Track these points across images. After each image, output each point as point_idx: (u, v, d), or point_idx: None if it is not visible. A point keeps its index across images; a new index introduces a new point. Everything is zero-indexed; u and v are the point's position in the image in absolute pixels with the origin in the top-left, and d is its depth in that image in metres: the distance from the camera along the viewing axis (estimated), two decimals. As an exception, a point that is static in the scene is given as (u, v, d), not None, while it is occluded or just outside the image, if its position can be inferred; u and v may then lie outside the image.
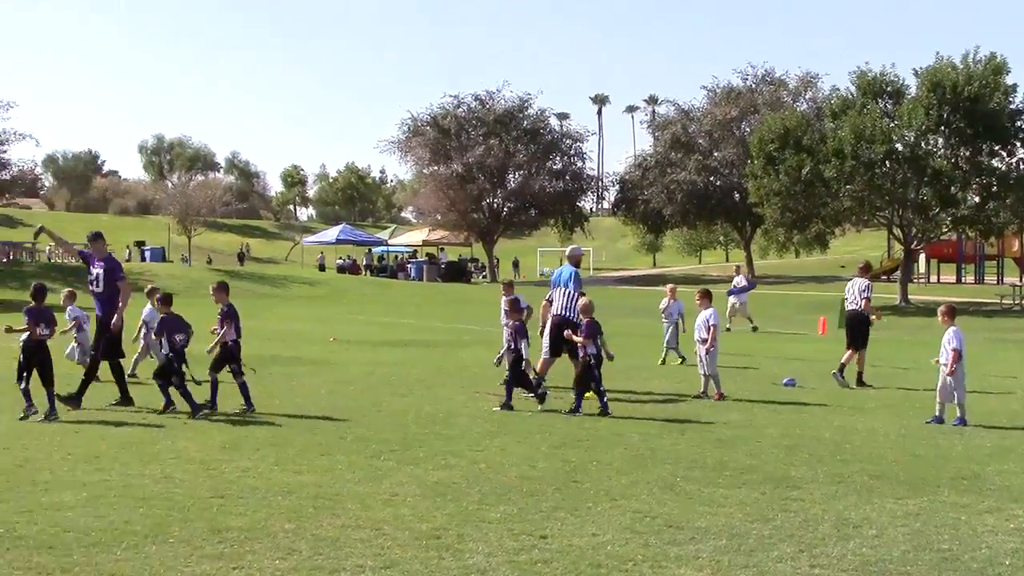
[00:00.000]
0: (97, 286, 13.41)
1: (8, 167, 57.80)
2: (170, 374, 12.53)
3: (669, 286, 21.07)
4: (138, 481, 8.65)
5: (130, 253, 72.58)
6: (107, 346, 13.18)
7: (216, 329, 12.92)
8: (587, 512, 7.76)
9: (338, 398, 14.36)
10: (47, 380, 11.97)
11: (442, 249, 73.34)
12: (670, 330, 20.04)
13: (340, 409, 13.12)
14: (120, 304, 13.31)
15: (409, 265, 67.27)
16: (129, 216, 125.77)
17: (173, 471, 9.12)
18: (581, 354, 13.33)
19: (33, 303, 12.10)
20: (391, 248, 75.96)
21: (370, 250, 73.26)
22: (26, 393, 12.00)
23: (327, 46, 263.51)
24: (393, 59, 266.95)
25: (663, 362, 19.68)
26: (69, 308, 15.96)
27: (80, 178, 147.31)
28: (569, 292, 14.31)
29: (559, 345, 14.22)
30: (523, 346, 13.36)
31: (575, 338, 13.48)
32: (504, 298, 15.18)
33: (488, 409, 13.15)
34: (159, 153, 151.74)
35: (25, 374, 12.03)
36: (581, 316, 13.61)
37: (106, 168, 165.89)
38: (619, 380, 16.02)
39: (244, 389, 12.74)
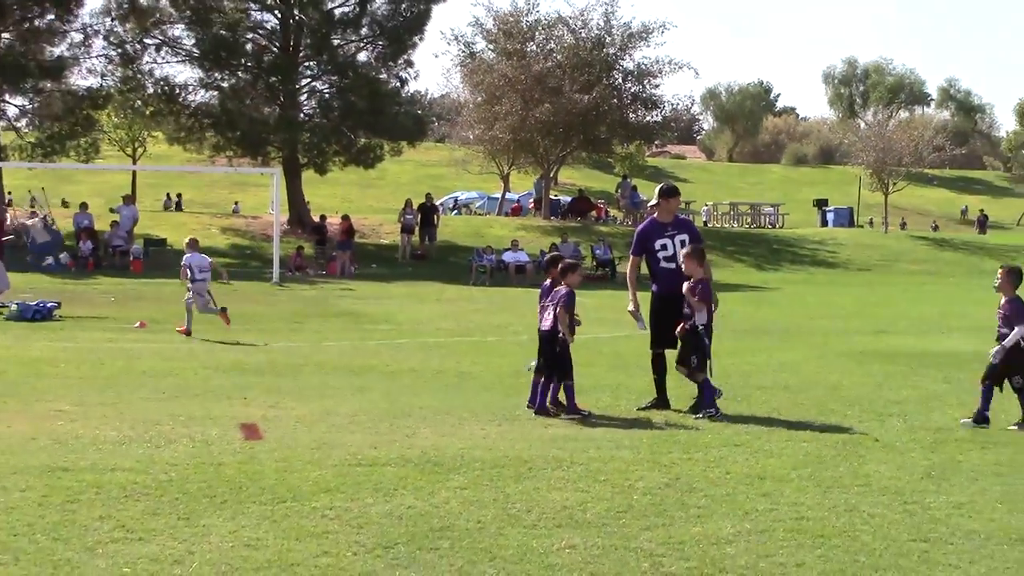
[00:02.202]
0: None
1: (660, 106, 62.19)
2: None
3: None
4: (814, 513, 9.03)
5: (777, 214, 75.15)
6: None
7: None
8: None
9: None
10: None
11: None
12: None
13: None
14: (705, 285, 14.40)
15: None
16: (806, 167, 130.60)
17: (860, 502, 9.41)
18: None
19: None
20: None
21: None
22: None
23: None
24: None
25: None
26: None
27: (747, 118, 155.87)
28: None
29: None
30: None
31: None
32: None
33: None
34: (849, 83, 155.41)
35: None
36: None
37: (780, 105, 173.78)
38: None
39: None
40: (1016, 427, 13.16)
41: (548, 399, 13.75)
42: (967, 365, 18.31)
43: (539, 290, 14.57)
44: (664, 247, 14.54)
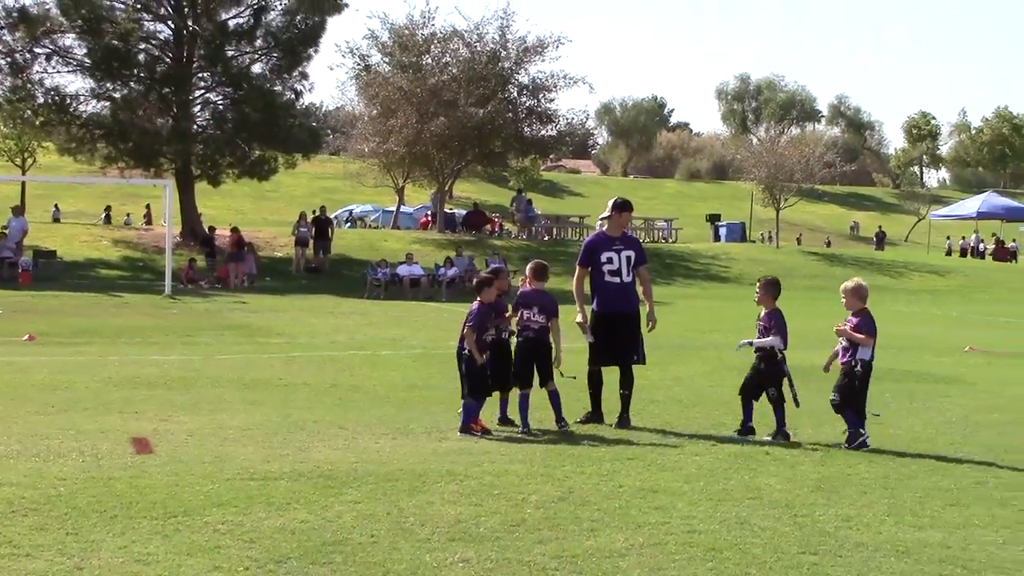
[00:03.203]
0: (628, 275, 14.60)
1: (555, 120, 62.42)
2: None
3: None
4: (706, 526, 9.13)
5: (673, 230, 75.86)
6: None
7: None
8: None
9: (976, 429, 14.47)
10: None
11: None
12: None
13: (977, 444, 13.30)
14: (647, 294, 14.86)
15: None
16: (700, 182, 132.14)
17: (751, 515, 9.53)
18: None
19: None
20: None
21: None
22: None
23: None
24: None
25: None
26: None
27: (642, 132, 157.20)
28: None
29: None
30: None
31: None
32: None
33: None
34: (742, 99, 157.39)
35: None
36: None
37: (674, 120, 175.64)
38: None
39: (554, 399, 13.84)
40: (769, 438, 13.32)
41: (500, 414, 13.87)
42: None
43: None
44: (610, 260, 14.59)
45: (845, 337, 13.10)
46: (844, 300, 13.38)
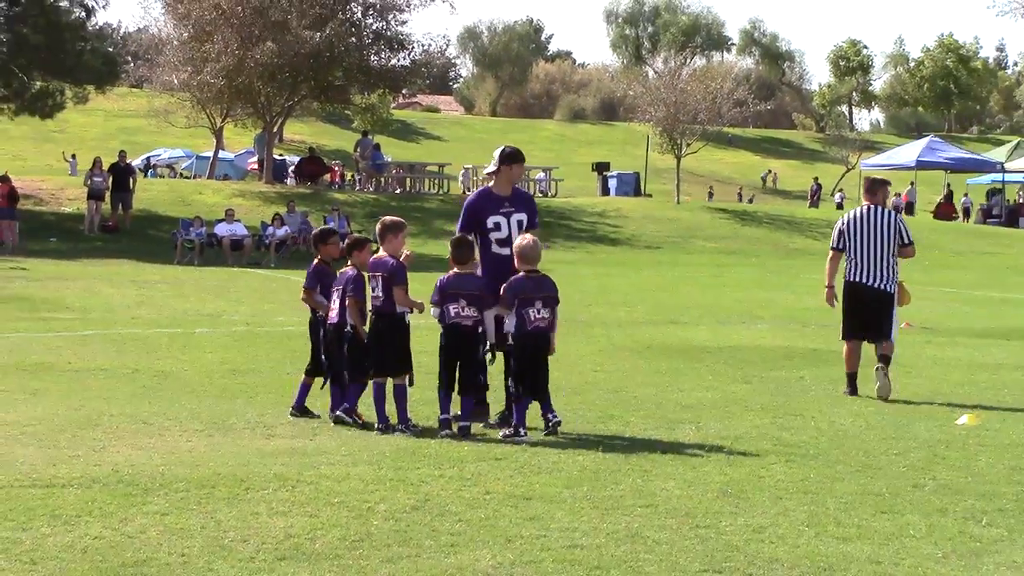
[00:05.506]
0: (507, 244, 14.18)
1: (408, 46, 62.23)
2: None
3: None
4: (590, 540, 9.18)
5: (547, 183, 76.03)
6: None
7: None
8: None
9: (913, 422, 14.63)
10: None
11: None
12: None
13: (914, 440, 13.47)
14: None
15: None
16: (585, 123, 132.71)
17: (643, 526, 9.60)
18: None
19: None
20: (1011, 177, 73.98)
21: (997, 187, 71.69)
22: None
23: None
24: None
25: None
26: None
27: (514, 63, 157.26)
28: None
29: None
30: None
31: None
32: None
33: None
34: (636, 22, 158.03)
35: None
36: None
37: (553, 48, 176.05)
38: None
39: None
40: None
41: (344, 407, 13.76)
42: (774, 363, 18.95)
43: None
44: (497, 226, 14.18)
45: None
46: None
